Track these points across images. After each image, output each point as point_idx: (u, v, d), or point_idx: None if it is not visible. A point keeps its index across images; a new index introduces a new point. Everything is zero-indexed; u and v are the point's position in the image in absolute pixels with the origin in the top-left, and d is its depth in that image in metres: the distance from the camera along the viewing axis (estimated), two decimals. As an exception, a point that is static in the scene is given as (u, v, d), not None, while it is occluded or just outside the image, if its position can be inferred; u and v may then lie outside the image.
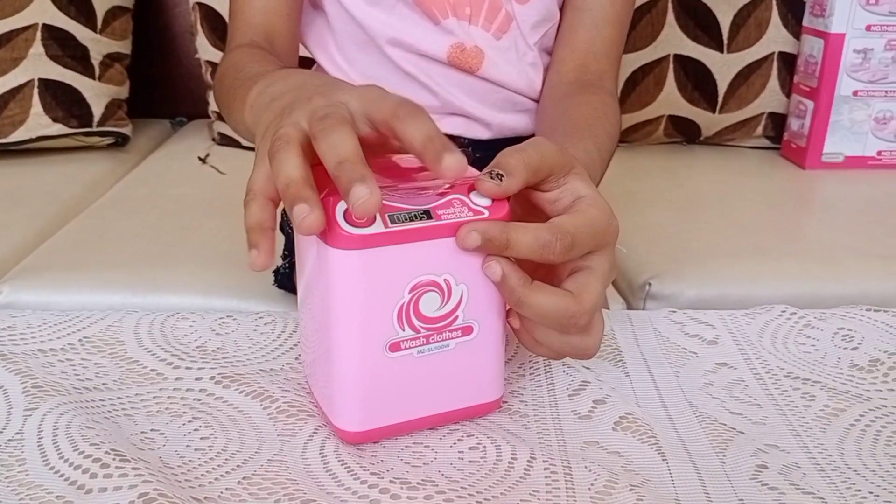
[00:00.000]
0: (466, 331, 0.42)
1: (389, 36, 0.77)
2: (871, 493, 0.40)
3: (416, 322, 0.41)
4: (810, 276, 0.98)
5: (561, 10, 0.80)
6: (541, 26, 0.79)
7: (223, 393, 0.47)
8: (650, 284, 0.95)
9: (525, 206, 0.44)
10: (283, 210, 0.92)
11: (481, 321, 0.42)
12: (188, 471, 0.41)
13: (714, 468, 0.42)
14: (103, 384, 0.48)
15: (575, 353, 0.43)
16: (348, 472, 0.41)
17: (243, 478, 0.40)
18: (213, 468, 0.41)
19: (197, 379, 0.48)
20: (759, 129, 1.50)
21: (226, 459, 0.41)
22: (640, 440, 0.44)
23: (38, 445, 0.42)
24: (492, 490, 0.40)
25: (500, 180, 0.40)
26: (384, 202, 0.39)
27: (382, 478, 0.40)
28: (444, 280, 0.41)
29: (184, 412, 0.45)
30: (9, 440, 0.43)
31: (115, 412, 0.45)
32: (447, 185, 0.41)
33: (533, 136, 0.85)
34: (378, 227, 0.39)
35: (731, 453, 0.43)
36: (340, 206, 0.39)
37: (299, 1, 0.77)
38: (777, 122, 1.49)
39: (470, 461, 0.42)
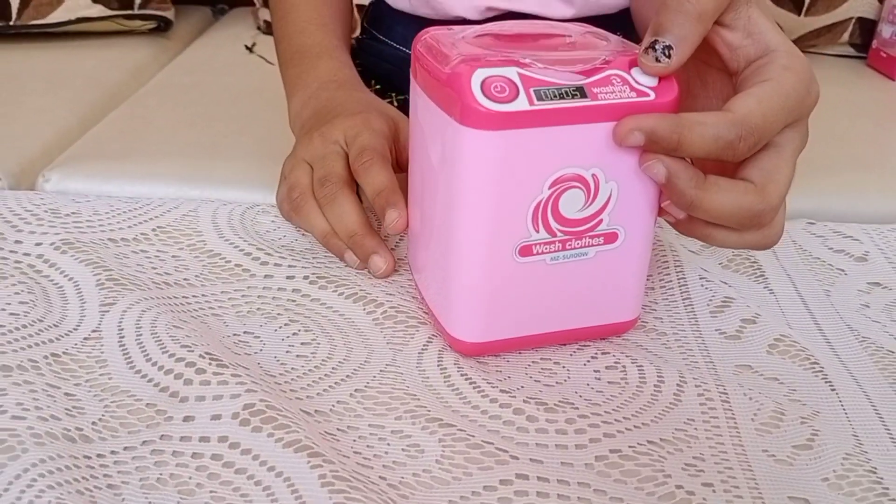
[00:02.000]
0: (610, 238, 0.36)
1: None
2: None
3: (553, 224, 0.35)
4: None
5: None
6: None
7: (320, 294, 0.41)
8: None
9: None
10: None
11: (628, 228, 0.36)
12: (292, 380, 0.36)
13: (891, 400, 0.36)
14: (185, 279, 0.43)
15: (752, 247, 0.36)
16: (474, 387, 0.35)
17: (355, 390, 0.35)
18: (319, 378, 0.36)
19: (289, 278, 0.43)
20: (846, 36, 1.38)
21: (333, 368, 0.36)
22: (800, 366, 0.38)
23: (121, 345, 0.37)
24: (641, 416, 0.34)
25: (668, 56, 0.33)
26: (530, 74, 0.33)
27: (514, 396, 0.35)
28: (592, 175, 0.34)
29: (279, 314, 0.40)
30: (85, 338, 0.38)
31: (202, 311, 0.40)
32: (604, 58, 0.34)
33: (626, 10, 0.76)
34: (521, 104, 0.32)
35: (907, 386, 0.37)
36: (477, 76, 0.32)
37: None
38: (866, 29, 1.38)
39: (609, 382, 0.37)
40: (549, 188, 0.34)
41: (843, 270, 0.46)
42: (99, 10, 1.26)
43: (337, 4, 0.65)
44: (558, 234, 0.35)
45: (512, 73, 0.33)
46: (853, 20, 1.36)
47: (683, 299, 0.43)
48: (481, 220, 0.34)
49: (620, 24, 0.77)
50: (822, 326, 0.41)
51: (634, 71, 0.34)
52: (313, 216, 0.44)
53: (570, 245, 0.36)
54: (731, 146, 0.32)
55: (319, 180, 0.44)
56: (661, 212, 0.37)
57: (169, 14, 1.34)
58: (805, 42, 1.40)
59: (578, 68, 0.34)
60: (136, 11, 1.29)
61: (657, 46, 0.33)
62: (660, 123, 0.32)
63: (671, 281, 0.44)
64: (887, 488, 0.32)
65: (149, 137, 0.95)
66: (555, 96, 0.33)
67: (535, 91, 0.32)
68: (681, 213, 0.35)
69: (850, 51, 1.42)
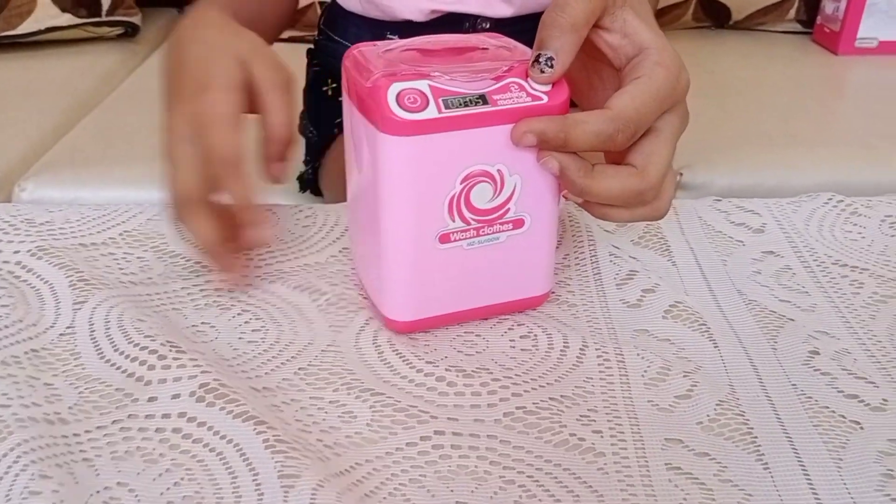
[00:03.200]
0: (517, 224, 0.41)
1: None
2: (924, 378, 0.40)
3: (466, 214, 0.40)
4: (845, 164, 0.96)
5: None
6: None
7: (270, 287, 0.47)
8: (681, 174, 0.94)
9: (584, 47, 0.40)
10: (303, 112, 0.90)
11: (533, 214, 0.41)
12: (244, 362, 0.41)
13: (766, 354, 0.42)
14: (148, 278, 0.47)
15: (643, 220, 0.42)
16: (403, 360, 0.41)
17: (299, 368, 0.40)
18: (268, 359, 0.41)
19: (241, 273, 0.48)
20: (792, 13, 1.44)
21: (280, 351, 0.42)
22: (690, 328, 0.44)
23: (92, 339, 0.42)
24: (546, 377, 0.40)
25: (552, 66, 0.38)
26: (439, 86, 0.38)
27: (437, 366, 0.40)
28: (498, 170, 0.39)
29: (232, 305, 0.45)
30: (61, 334, 0.43)
31: (164, 306, 0.45)
32: (505, 68, 0.39)
33: None
34: (431, 113, 0.37)
35: (782, 340, 0.43)
36: (392, 90, 0.37)
37: None
38: (810, 5, 1.43)
39: (522, 349, 0.42)
40: (461, 183, 0.39)
41: (741, 242, 0.52)
42: (68, 19, 1.30)
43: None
44: (472, 222, 0.40)
45: (423, 85, 0.38)
46: (798, -3, 1.42)
47: (594, 274, 0.48)
48: (404, 213, 0.39)
49: None
50: (715, 292, 0.47)
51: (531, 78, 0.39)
52: (200, 224, 0.44)
53: (483, 231, 0.41)
54: (611, 139, 0.37)
55: (178, 198, 0.44)
56: (565, 197, 0.42)
57: (136, 19, 1.38)
58: (753, 20, 1.45)
59: (483, 78, 0.39)
60: (103, 18, 1.33)
61: (541, 59, 0.38)
62: (548, 125, 0.37)
63: (584, 258, 0.49)
64: (752, 428, 0.37)
65: (120, 142, 1.00)
66: (460, 104, 0.38)
67: (443, 100, 0.38)
68: (579, 199, 0.40)
69: (797, 27, 1.47)
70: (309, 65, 0.90)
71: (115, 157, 0.95)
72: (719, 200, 0.56)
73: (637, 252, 0.50)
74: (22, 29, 1.29)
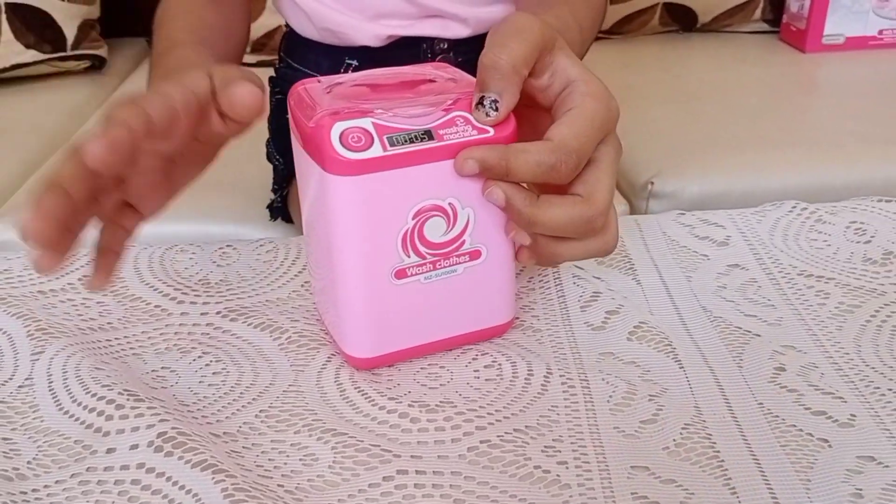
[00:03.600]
0: (474, 255, 0.41)
1: None
2: (889, 390, 0.40)
3: (421, 248, 0.40)
4: (816, 165, 0.96)
5: None
6: None
7: (231, 326, 0.46)
8: (652, 183, 0.94)
9: None
10: (269, 140, 0.90)
11: (489, 244, 0.41)
12: (204, 407, 0.40)
13: (732, 373, 0.42)
14: (108, 323, 0.47)
15: (596, 254, 0.42)
16: (365, 398, 0.40)
17: (260, 411, 0.40)
18: (228, 403, 0.40)
19: (203, 314, 0.47)
20: (758, 13, 1.45)
21: (241, 394, 0.41)
22: (655, 349, 0.43)
23: (50, 390, 0.41)
24: (510, 407, 0.39)
25: (496, 109, 0.38)
26: (383, 123, 0.37)
27: (400, 402, 0.40)
28: (449, 204, 0.39)
29: (193, 348, 0.45)
30: (19, 386, 0.42)
31: (123, 352, 0.45)
32: (451, 101, 0.39)
33: None
34: (376, 151, 0.37)
35: (747, 357, 0.43)
36: (336, 129, 0.37)
37: None
38: (776, 4, 1.44)
39: (486, 379, 0.42)
40: (413, 219, 0.39)
41: (706, 256, 0.52)
42: (32, 56, 1.29)
43: (216, 25, 0.64)
44: (427, 256, 0.40)
45: (367, 123, 0.37)
46: (763, -2, 1.43)
47: (558, 297, 0.48)
48: (356, 251, 0.39)
49: None
50: (681, 310, 0.47)
51: (477, 110, 0.39)
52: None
53: (439, 265, 0.40)
54: (553, 169, 0.37)
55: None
56: (517, 252, 0.41)
57: (102, 52, 1.37)
58: (720, 22, 1.46)
59: (428, 112, 0.38)
60: (69, 53, 1.32)
61: (485, 102, 0.38)
62: (489, 153, 0.37)
63: (548, 281, 0.49)
64: (718, 451, 0.37)
65: (89, 178, 0.99)
66: (405, 141, 0.37)
67: (387, 138, 0.37)
68: (526, 239, 0.40)
69: (764, 26, 1.48)
70: (271, 93, 0.89)
71: (83, 193, 0.94)
72: (683, 214, 0.56)
73: (601, 272, 0.50)
74: (-13, 66, 1.28)
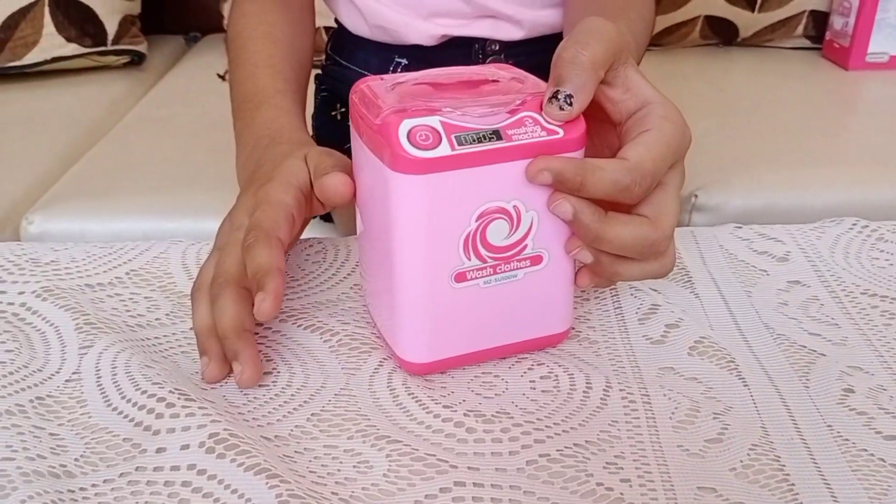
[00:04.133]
0: (535, 260, 0.40)
1: None
2: (965, 416, 0.39)
3: (482, 252, 0.39)
4: (860, 183, 0.94)
5: None
6: None
7: (281, 327, 0.45)
8: (696, 196, 0.92)
9: None
10: (312, 136, 0.90)
11: (551, 250, 0.40)
12: (254, 409, 0.39)
13: (798, 393, 0.40)
14: (156, 319, 0.46)
15: (653, 276, 0.41)
16: (419, 405, 0.39)
17: (312, 414, 0.39)
18: (279, 405, 0.40)
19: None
20: (800, 29, 1.43)
21: (291, 395, 0.40)
22: (717, 365, 0.42)
23: (98, 385, 0.41)
24: (569, 421, 0.38)
25: (570, 104, 0.37)
26: (451, 122, 0.36)
27: (455, 410, 0.39)
28: (514, 207, 0.38)
29: (242, 347, 0.44)
30: (66, 380, 0.41)
31: (172, 350, 0.44)
32: (519, 101, 0.38)
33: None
34: (444, 150, 0.36)
35: (814, 377, 0.41)
36: (404, 126, 0.36)
37: None
38: (819, 21, 1.42)
39: (543, 391, 0.40)
40: (476, 221, 0.38)
41: (765, 271, 0.50)
42: (73, 49, 1.30)
43: (289, 40, 0.66)
44: (488, 260, 0.39)
45: (435, 121, 0.36)
46: (806, 13, 1.41)
47: (615, 308, 0.47)
48: (416, 253, 0.38)
49: None
50: (742, 326, 0.45)
51: (546, 111, 0.38)
52: (199, 310, 0.43)
53: (500, 269, 0.39)
54: (627, 189, 0.36)
55: (214, 277, 0.43)
56: (577, 275, 0.40)
57: (142, 48, 1.38)
58: (761, 37, 1.45)
59: (496, 112, 0.37)
60: (109, 48, 1.33)
61: (559, 96, 0.37)
62: (566, 166, 0.36)
63: (604, 292, 0.48)
64: (788, 474, 0.35)
65: (127, 173, 0.99)
66: (474, 140, 0.36)
67: (455, 137, 0.36)
68: (588, 258, 0.39)
69: (806, 42, 1.46)
70: (317, 90, 0.89)
71: (123, 187, 0.94)
72: (740, 227, 0.55)
73: (658, 284, 0.49)
74: (27, 59, 1.29)
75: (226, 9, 1.43)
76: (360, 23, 0.79)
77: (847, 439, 0.37)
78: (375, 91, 0.40)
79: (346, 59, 0.85)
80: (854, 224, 0.55)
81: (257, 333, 0.45)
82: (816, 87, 1.29)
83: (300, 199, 0.44)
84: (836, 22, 1.38)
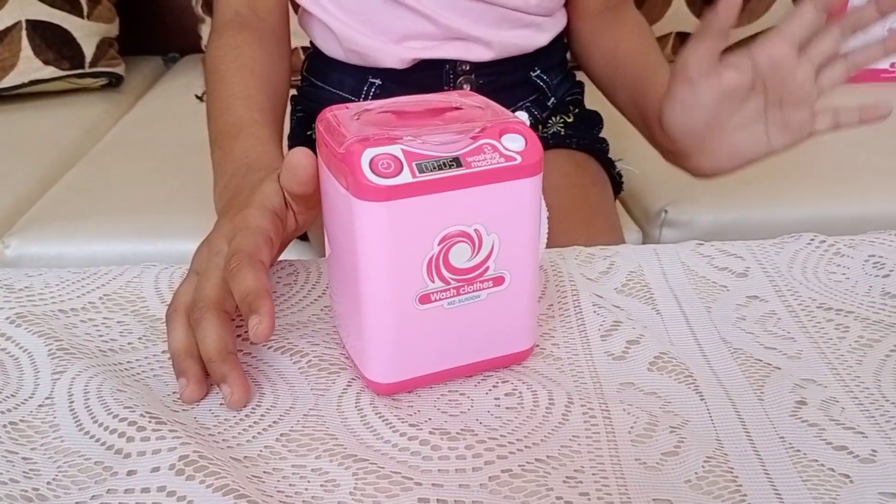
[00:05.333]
0: (498, 281, 0.41)
1: None
2: (912, 425, 0.40)
3: (445, 274, 0.40)
4: (829, 197, 0.96)
5: None
6: None
7: (252, 349, 0.46)
8: (666, 211, 0.94)
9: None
10: (289, 147, 0.91)
11: (513, 271, 0.41)
12: (224, 430, 0.40)
13: (753, 406, 0.41)
14: (129, 343, 0.47)
15: None
16: (386, 424, 0.40)
17: (281, 434, 0.40)
18: (249, 426, 0.41)
19: (223, 334, 0.47)
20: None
21: (261, 416, 0.41)
22: (676, 380, 0.43)
23: (71, 410, 0.41)
24: (531, 437, 0.39)
25: None
26: (412, 150, 0.38)
27: (421, 429, 0.40)
28: (475, 230, 0.39)
29: (214, 369, 0.45)
30: (39, 405, 0.42)
31: (144, 373, 0.45)
32: (479, 129, 0.39)
33: (541, 49, 0.82)
34: (405, 177, 0.37)
35: (768, 390, 0.43)
36: (366, 155, 0.37)
37: None
38: (788, 36, 1.45)
39: (507, 408, 0.41)
40: (439, 244, 0.39)
41: (725, 287, 0.52)
42: (51, 72, 1.30)
43: (265, 72, 0.68)
44: (452, 282, 0.40)
45: (396, 150, 0.38)
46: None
47: (578, 325, 0.48)
48: (381, 276, 0.39)
49: (535, 61, 0.82)
50: (701, 341, 0.47)
51: (504, 138, 0.39)
52: (176, 332, 0.44)
53: (463, 290, 0.41)
54: None
55: (194, 301, 0.44)
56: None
57: (120, 70, 1.38)
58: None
59: (456, 140, 0.39)
60: (87, 70, 1.34)
61: None
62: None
63: (568, 309, 0.49)
64: (741, 485, 0.37)
65: (105, 195, 0.99)
66: (434, 168, 0.38)
67: (416, 164, 0.38)
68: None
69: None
70: (293, 111, 0.90)
71: (100, 210, 0.95)
72: (701, 244, 0.56)
73: (621, 301, 0.50)
74: (5, 83, 1.30)
75: (204, 30, 1.44)
76: (335, 46, 0.80)
77: (798, 450, 0.39)
78: (340, 119, 0.41)
79: (321, 80, 0.86)
80: (812, 239, 0.56)
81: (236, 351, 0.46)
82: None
83: (276, 223, 0.46)
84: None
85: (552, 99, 0.84)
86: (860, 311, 0.49)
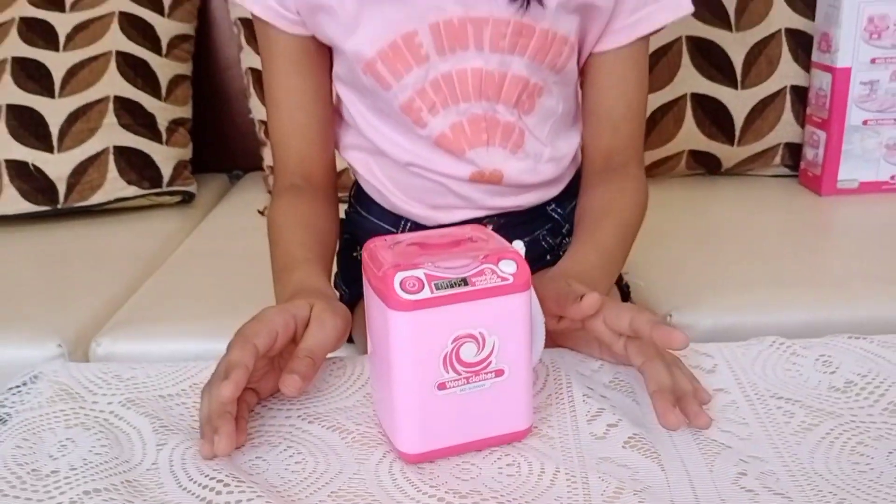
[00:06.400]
0: (499, 373, 0.53)
1: (408, 161, 0.85)
2: (830, 492, 0.50)
3: (458, 367, 0.52)
4: (822, 303, 1.06)
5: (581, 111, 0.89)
6: (548, 118, 0.86)
7: (309, 427, 0.58)
8: (671, 316, 1.05)
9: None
10: (336, 273, 1.04)
11: (511, 365, 0.53)
12: (289, 488, 0.52)
13: (703, 476, 0.52)
14: (213, 422, 0.60)
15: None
16: (412, 486, 0.52)
17: (331, 492, 0.52)
18: (307, 486, 0.52)
19: (287, 417, 0.60)
20: (777, 159, 1.58)
21: (316, 478, 0.53)
22: (644, 455, 0.54)
23: (171, 472, 0.54)
24: (525, 497, 0.51)
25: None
26: (431, 273, 0.51)
27: (439, 489, 0.51)
28: (480, 333, 0.52)
29: (279, 442, 0.57)
30: (147, 469, 0.55)
31: (226, 444, 0.57)
32: (483, 256, 0.52)
33: (555, 198, 0.93)
34: (426, 293, 0.50)
35: (718, 464, 0.53)
36: (398, 278, 0.51)
37: (331, 127, 0.89)
38: (794, 152, 1.57)
39: (508, 475, 0.53)
40: (452, 343, 0.52)
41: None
42: (133, 191, 1.49)
43: (315, 225, 0.82)
44: (462, 373, 0.53)
45: (420, 273, 0.51)
46: (781, 145, 1.57)
47: (570, 411, 0.59)
48: (408, 368, 0.52)
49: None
50: (668, 425, 0.57)
51: (500, 263, 0.52)
52: (201, 404, 0.56)
53: (471, 380, 0.53)
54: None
55: (212, 375, 0.57)
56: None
57: (192, 188, 1.57)
58: (743, 167, 1.60)
59: (465, 265, 0.52)
60: (164, 189, 1.52)
61: None
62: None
63: (563, 398, 0.61)
64: (687, 534, 0.47)
65: (180, 300, 1.14)
66: (447, 286, 0.51)
67: (434, 283, 0.51)
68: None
69: (785, 170, 1.61)
70: (341, 233, 1.04)
71: (176, 314, 1.09)
72: (679, 346, 0.67)
73: (607, 392, 0.62)
74: (93, 200, 1.48)
75: (265, 152, 1.62)
76: (378, 197, 0.94)
77: (735, 510, 0.49)
78: (379, 249, 0.55)
79: (364, 209, 0.98)
80: (774, 341, 0.67)
81: (290, 433, 0.58)
82: (793, 212, 1.43)
83: (289, 322, 0.59)
84: (808, 153, 1.54)
85: (566, 226, 0.95)
86: (806, 401, 0.60)
